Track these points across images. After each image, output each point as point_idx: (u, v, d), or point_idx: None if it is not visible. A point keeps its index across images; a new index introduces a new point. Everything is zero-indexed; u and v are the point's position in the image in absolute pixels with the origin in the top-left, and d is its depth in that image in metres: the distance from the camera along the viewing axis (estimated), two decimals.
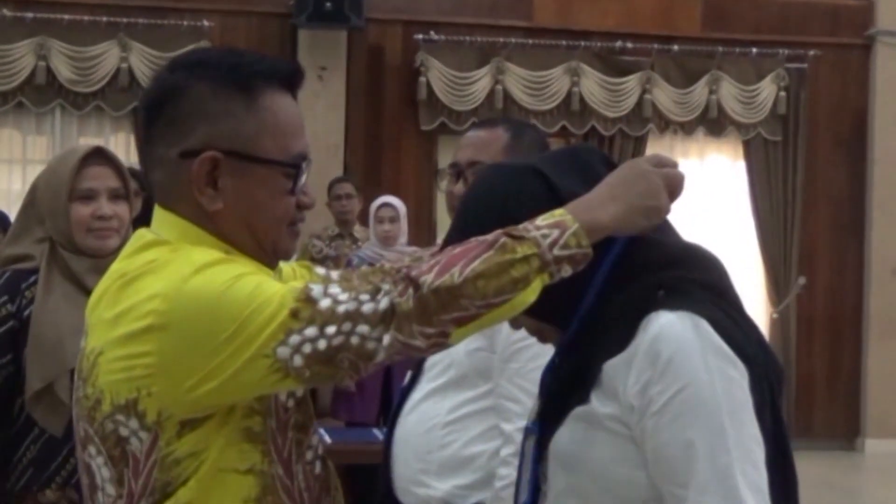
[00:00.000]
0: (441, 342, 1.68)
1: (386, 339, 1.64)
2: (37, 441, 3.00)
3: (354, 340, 1.64)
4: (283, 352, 1.64)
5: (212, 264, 1.69)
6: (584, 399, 1.83)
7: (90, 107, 8.52)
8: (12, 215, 3.94)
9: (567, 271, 1.70)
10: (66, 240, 3.06)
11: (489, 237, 1.68)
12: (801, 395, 9.66)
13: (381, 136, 9.00)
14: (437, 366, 2.92)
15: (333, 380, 1.71)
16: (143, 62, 8.49)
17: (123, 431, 1.72)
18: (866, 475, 9.41)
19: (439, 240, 6.83)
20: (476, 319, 1.67)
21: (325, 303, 1.65)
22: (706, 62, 9.41)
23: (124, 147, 8.78)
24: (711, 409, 1.73)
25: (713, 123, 9.47)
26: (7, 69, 8.33)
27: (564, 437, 1.86)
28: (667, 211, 1.75)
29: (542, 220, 1.70)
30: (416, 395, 2.95)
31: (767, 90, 9.45)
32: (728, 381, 1.75)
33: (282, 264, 2.05)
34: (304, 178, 1.81)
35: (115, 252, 3.00)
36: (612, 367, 1.80)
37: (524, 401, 2.75)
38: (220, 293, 1.65)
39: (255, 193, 1.76)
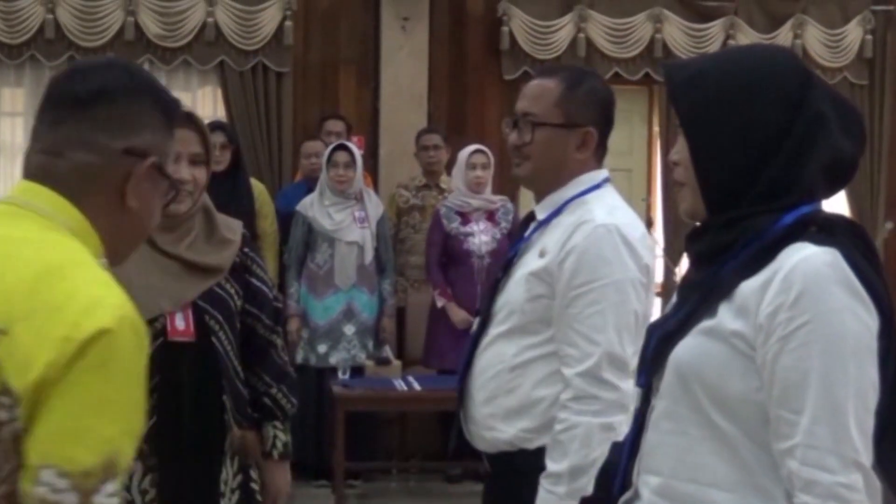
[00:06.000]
0: None
1: None
2: None
3: None
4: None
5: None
6: (712, 312, 1.88)
7: (178, 61, 8.61)
8: None
9: None
10: None
11: None
12: None
13: (464, 86, 9.01)
14: (502, 312, 2.98)
15: None
16: (229, 16, 8.57)
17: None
18: None
19: (521, 192, 6.78)
20: None
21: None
22: (791, 6, 9.29)
23: (211, 100, 8.89)
24: (837, 343, 1.78)
25: None
26: (96, 25, 8.44)
27: (687, 346, 1.91)
28: None
29: None
30: (484, 341, 3.02)
31: (853, 33, 9.32)
32: (858, 321, 1.79)
33: None
34: None
35: (185, 214, 3.17)
36: (749, 287, 1.85)
37: (582, 346, 2.81)
38: (136, 399, 1.71)
39: (155, 201, 1.97)
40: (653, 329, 2.03)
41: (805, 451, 1.77)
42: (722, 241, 1.92)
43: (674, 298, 2.04)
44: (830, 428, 1.76)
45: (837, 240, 1.85)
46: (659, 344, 1.97)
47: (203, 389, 3.16)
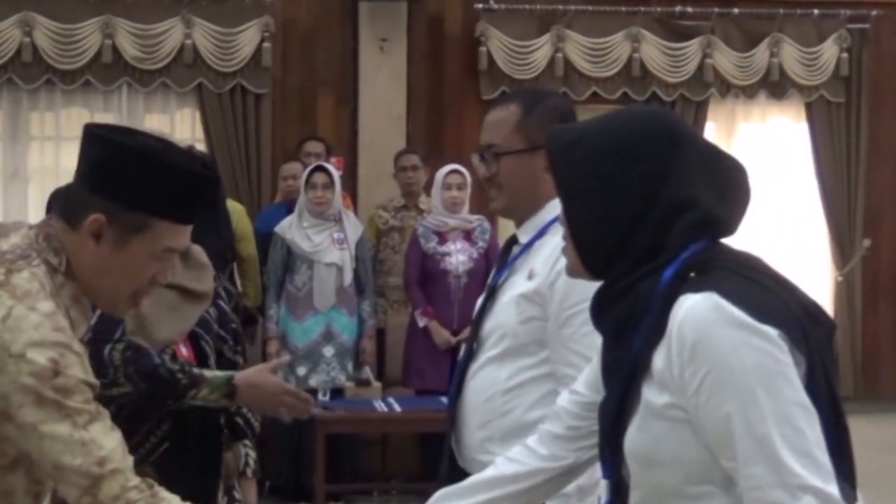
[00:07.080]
0: None
1: None
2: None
3: None
4: None
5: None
6: (639, 395, 1.91)
7: (156, 84, 8.61)
8: None
9: None
10: None
11: None
12: (866, 359, 9.63)
13: (442, 107, 9.03)
14: (492, 336, 2.98)
15: None
16: (207, 38, 8.58)
17: None
18: None
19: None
20: None
21: None
22: (767, 24, 9.35)
23: (189, 123, 8.90)
24: (741, 382, 1.80)
25: (775, 86, 9.41)
26: (74, 48, 8.44)
27: (633, 438, 1.94)
28: None
29: None
30: (474, 366, 3.01)
31: (829, 51, 9.38)
32: (756, 352, 1.81)
33: None
34: None
35: None
36: (659, 358, 1.88)
37: (580, 365, 2.81)
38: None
39: None
40: (600, 415, 2.06)
41: (751, 494, 1.80)
42: (620, 315, 1.94)
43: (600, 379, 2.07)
44: (763, 465, 1.78)
45: (714, 277, 1.87)
46: (607, 435, 2.00)
47: (204, 413, 3.27)
